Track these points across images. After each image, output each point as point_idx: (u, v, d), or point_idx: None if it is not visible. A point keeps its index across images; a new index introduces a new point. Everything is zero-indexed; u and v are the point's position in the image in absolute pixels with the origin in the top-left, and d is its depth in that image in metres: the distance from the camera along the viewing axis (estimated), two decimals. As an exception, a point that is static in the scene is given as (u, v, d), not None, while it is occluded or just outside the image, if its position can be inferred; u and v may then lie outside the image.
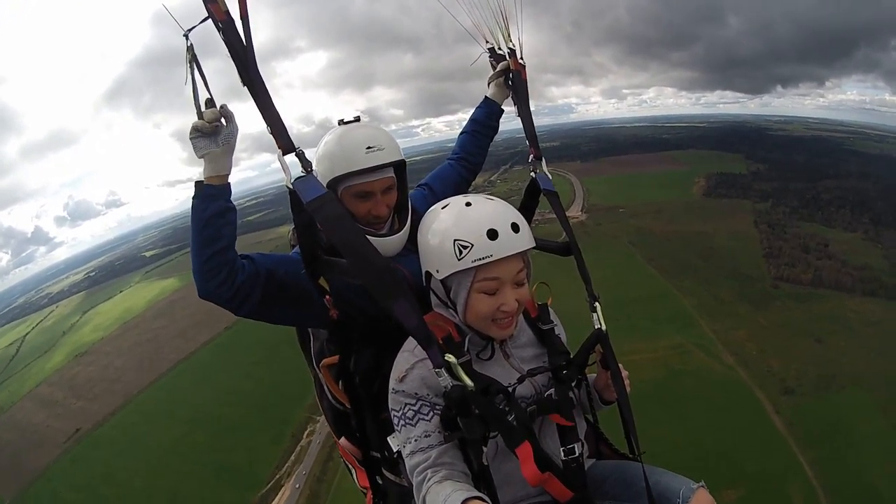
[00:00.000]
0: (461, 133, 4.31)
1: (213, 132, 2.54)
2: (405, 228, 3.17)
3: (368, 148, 2.97)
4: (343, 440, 3.45)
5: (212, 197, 2.58)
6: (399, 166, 3.21)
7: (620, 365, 2.89)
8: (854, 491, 56.84)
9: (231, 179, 2.68)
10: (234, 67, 2.40)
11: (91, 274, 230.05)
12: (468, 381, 2.33)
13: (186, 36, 2.44)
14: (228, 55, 2.39)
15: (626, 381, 2.90)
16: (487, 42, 3.90)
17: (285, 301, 2.91)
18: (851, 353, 79.54)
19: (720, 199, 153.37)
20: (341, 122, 3.18)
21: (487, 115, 4.17)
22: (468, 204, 2.60)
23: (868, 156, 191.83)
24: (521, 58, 3.77)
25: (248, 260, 2.79)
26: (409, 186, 3.54)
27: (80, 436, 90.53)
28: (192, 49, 2.47)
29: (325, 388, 3.36)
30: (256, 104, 2.44)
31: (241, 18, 2.39)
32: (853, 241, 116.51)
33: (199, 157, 2.60)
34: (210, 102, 2.54)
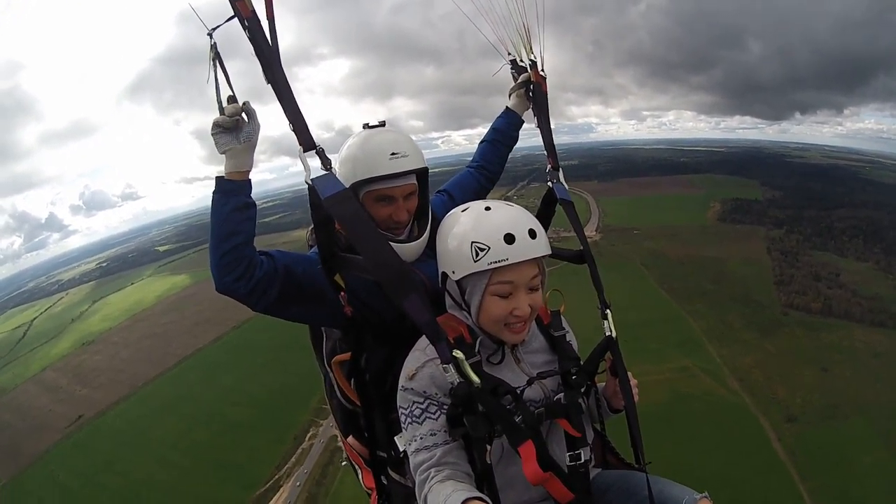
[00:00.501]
0: (481, 142, 4.35)
1: (234, 127, 2.60)
2: (425, 235, 3.19)
3: (393, 154, 2.98)
4: (350, 439, 3.53)
5: (232, 192, 2.64)
6: (421, 173, 3.21)
7: (630, 373, 2.93)
8: None
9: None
10: (259, 66, 2.51)
11: (103, 264, 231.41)
12: (475, 378, 2.40)
13: (210, 35, 2.50)
14: (253, 54, 2.49)
15: (635, 390, 2.94)
16: (509, 54, 3.92)
17: (302, 298, 2.95)
18: (856, 384, 79.17)
19: (734, 225, 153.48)
20: (366, 126, 3.20)
21: (508, 125, 4.21)
22: (487, 208, 2.65)
23: (883, 185, 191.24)
24: (542, 70, 3.82)
25: (267, 256, 2.83)
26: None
27: (81, 422, 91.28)
28: (216, 47, 2.53)
29: (336, 385, 3.40)
30: (280, 101, 2.53)
31: (268, 18, 2.50)
32: (865, 271, 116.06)
33: (221, 153, 2.65)
34: (232, 99, 2.60)
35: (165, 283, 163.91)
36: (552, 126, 3.80)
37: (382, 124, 3.19)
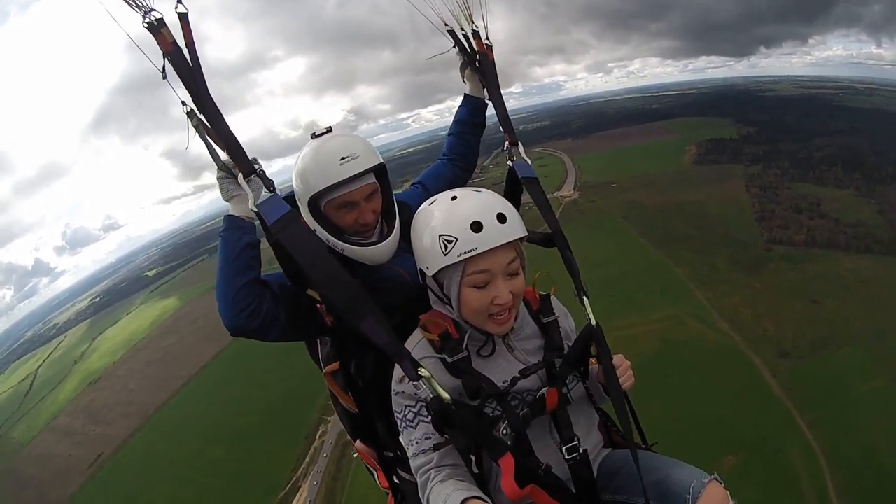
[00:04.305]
0: (448, 135, 4.23)
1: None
2: (394, 233, 3.14)
3: (343, 158, 2.93)
4: (359, 443, 3.54)
5: (244, 229, 2.75)
6: (379, 170, 3.16)
7: (622, 355, 2.88)
8: (853, 450, 57.12)
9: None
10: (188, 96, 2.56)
11: (96, 300, 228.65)
12: (444, 395, 2.37)
13: (184, 102, 2.59)
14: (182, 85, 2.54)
15: (629, 374, 2.88)
16: (446, 25, 3.73)
17: (303, 314, 2.97)
18: (847, 312, 79.64)
19: (711, 166, 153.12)
20: (314, 136, 3.13)
21: (471, 113, 4.09)
22: (454, 198, 2.59)
23: (858, 111, 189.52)
24: (487, 38, 3.73)
25: (264, 285, 2.85)
26: (407, 182, 3.81)
27: (101, 461, 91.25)
28: (194, 114, 2.61)
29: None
30: (212, 127, 2.60)
31: (187, 45, 2.52)
32: (846, 199, 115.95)
33: (226, 200, 2.79)
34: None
35: (157, 309, 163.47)
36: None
37: (329, 130, 3.16)
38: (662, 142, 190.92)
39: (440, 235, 2.44)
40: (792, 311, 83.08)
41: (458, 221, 2.43)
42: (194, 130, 2.64)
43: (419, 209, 2.72)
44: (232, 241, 2.72)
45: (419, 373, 2.38)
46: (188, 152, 2.72)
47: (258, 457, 78.12)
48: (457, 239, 2.39)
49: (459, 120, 4.13)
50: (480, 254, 2.39)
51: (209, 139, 2.66)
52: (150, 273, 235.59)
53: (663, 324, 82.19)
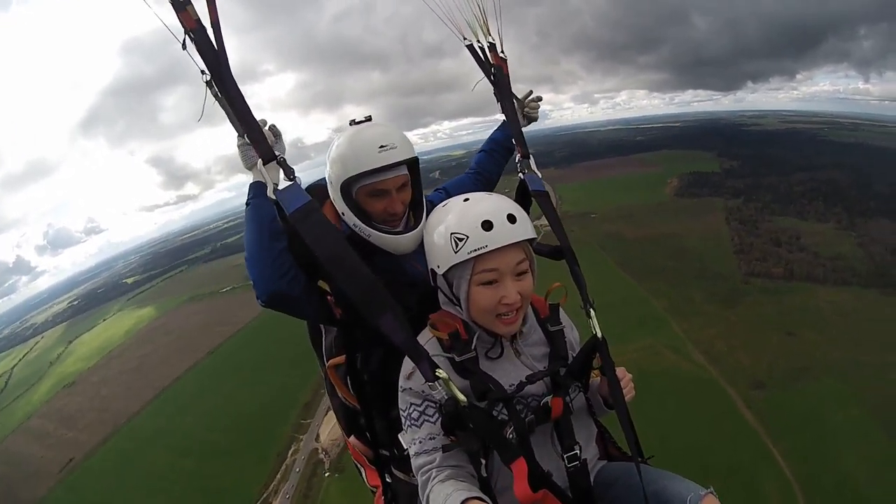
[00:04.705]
0: (479, 151, 4.33)
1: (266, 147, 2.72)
2: (420, 225, 3.12)
3: (381, 147, 2.94)
4: (353, 439, 3.55)
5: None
6: (412, 164, 3.18)
7: (623, 369, 2.89)
8: (829, 479, 57.35)
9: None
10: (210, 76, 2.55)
11: (74, 302, 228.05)
12: (461, 397, 2.39)
13: (204, 72, 2.58)
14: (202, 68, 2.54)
15: (630, 386, 2.91)
16: (465, 38, 3.82)
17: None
18: (824, 344, 80.00)
19: (692, 199, 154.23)
20: (353, 123, 3.16)
21: (505, 136, 4.15)
22: (466, 199, 2.64)
23: (841, 145, 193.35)
24: (503, 52, 3.79)
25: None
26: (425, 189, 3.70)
27: (73, 466, 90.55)
28: (212, 83, 2.61)
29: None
30: (232, 111, 2.60)
31: (212, 25, 2.50)
32: (826, 232, 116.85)
33: (248, 168, 2.80)
34: (262, 122, 2.77)
35: (132, 318, 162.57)
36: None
37: (369, 119, 3.19)
38: (644, 174, 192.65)
39: (452, 234, 2.49)
40: (768, 343, 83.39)
41: (470, 220, 2.49)
42: (213, 100, 2.66)
43: (433, 211, 2.79)
44: (265, 206, 2.75)
45: (437, 373, 2.40)
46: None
47: (229, 472, 77.52)
48: (467, 237, 2.45)
49: (495, 139, 4.24)
50: (490, 252, 2.44)
51: (228, 108, 2.66)
52: (129, 280, 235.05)
53: (639, 354, 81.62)
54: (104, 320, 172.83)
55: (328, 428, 76.32)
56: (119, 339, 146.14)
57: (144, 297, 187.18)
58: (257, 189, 2.75)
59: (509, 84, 3.82)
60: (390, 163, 2.95)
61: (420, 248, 3.02)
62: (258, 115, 2.71)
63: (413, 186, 3.22)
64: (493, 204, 2.57)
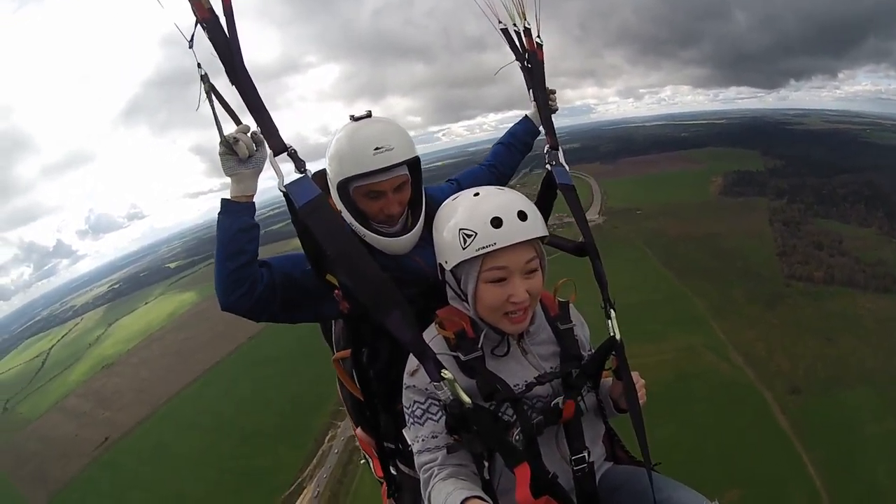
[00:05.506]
0: (496, 143, 4.30)
1: (244, 156, 2.64)
2: (417, 226, 3.14)
3: (377, 149, 2.90)
4: (359, 430, 3.57)
5: (237, 213, 2.67)
6: (412, 163, 3.13)
7: (637, 373, 2.81)
8: (858, 490, 56.13)
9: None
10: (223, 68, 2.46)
11: (115, 286, 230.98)
12: (466, 399, 2.33)
13: (200, 65, 2.49)
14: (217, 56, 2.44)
15: (642, 391, 2.83)
16: (500, 23, 3.74)
17: (304, 301, 2.97)
18: (861, 352, 78.38)
19: (736, 198, 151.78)
20: (352, 118, 3.10)
21: (525, 131, 4.20)
22: (476, 194, 2.59)
23: (883, 147, 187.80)
24: (539, 37, 3.71)
25: (266, 268, 2.84)
26: (436, 182, 3.77)
27: (108, 444, 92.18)
28: (207, 78, 2.51)
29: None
30: (244, 102, 2.49)
31: (225, 14, 2.42)
32: (867, 237, 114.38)
33: (228, 176, 2.68)
34: (243, 129, 2.66)
35: (174, 302, 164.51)
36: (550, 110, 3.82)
37: (369, 114, 3.12)
38: (689, 171, 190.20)
39: (460, 230, 2.45)
40: (806, 348, 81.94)
41: (479, 216, 2.44)
42: (205, 96, 2.54)
43: (443, 204, 2.72)
44: (225, 225, 2.66)
45: (441, 374, 2.34)
46: (216, 150, 2.60)
47: (264, 455, 78.42)
48: (476, 233, 2.41)
49: (514, 133, 4.26)
50: (499, 249, 2.39)
51: (216, 109, 2.55)
52: (172, 265, 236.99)
53: (678, 354, 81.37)
54: (146, 304, 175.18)
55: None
56: (160, 322, 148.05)
57: (187, 281, 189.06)
58: (224, 205, 2.70)
59: (543, 70, 3.76)
60: (385, 165, 2.93)
61: (420, 243, 3.14)
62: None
63: (413, 185, 3.21)
64: (503, 200, 2.51)
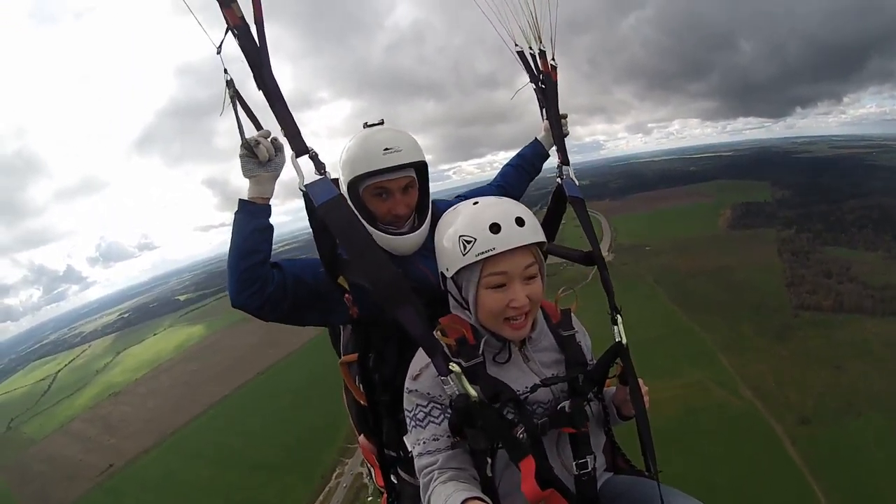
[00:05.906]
0: (506, 165, 4.39)
1: (264, 159, 2.72)
2: (423, 227, 3.22)
3: (386, 150, 3.02)
4: (362, 438, 3.58)
5: (254, 213, 2.75)
6: (419, 167, 3.24)
7: (641, 380, 2.83)
8: None
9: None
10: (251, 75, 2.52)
11: (124, 315, 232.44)
12: (472, 392, 2.34)
13: (226, 70, 2.56)
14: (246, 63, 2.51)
15: (646, 398, 2.86)
16: (516, 45, 3.83)
17: (314, 304, 3.06)
18: (871, 378, 78.16)
19: (745, 230, 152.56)
20: (366, 125, 3.24)
21: (534, 153, 4.29)
22: (475, 203, 2.65)
23: (891, 169, 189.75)
24: (553, 59, 3.77)
25: (278, 269, 2.91)
26: (441, 197, 3.78)
27: (112, 471, 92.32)
28: (233, 84, 2.60)
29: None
30: (270, 106, 2.54)
31: (255, 22, 2.49)
32: (875, 261, 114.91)
33: (246, 178, 2.76)
34: (265, 134, 2.76)
35: (183, 334, 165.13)
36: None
37: (381, 122, 3.25)
38: (698, 205, 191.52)
39: (460, 236, 2.49)
40: (815, 378, 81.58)
41: (478, 223, 2.48)
42: (230, 101, 2.63)
43: (444, 213, 2.78)
44: (241, 224, 2.75)
45: (450, 367, 2.36)
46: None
47: (271, 489, 78.35)
48: (476, 239, 2.44)
49: (523, 155, 4.36)
50: (498, 255, 2.43)
51: (238, 114, 2.65)
52: (182, 297, 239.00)
53: (687, 389, 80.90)
54: (154, 335, 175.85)
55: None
56: (168, 354, 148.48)
57: (196, 315, 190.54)
58: (241, 205, 2.78)
59: (556, 91, 3.82)
60: (393, 165, 3.05)
61: (424, 250, 3.20)
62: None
63: (420, 190, 3.31)
64: (501, 207, 2.58)
